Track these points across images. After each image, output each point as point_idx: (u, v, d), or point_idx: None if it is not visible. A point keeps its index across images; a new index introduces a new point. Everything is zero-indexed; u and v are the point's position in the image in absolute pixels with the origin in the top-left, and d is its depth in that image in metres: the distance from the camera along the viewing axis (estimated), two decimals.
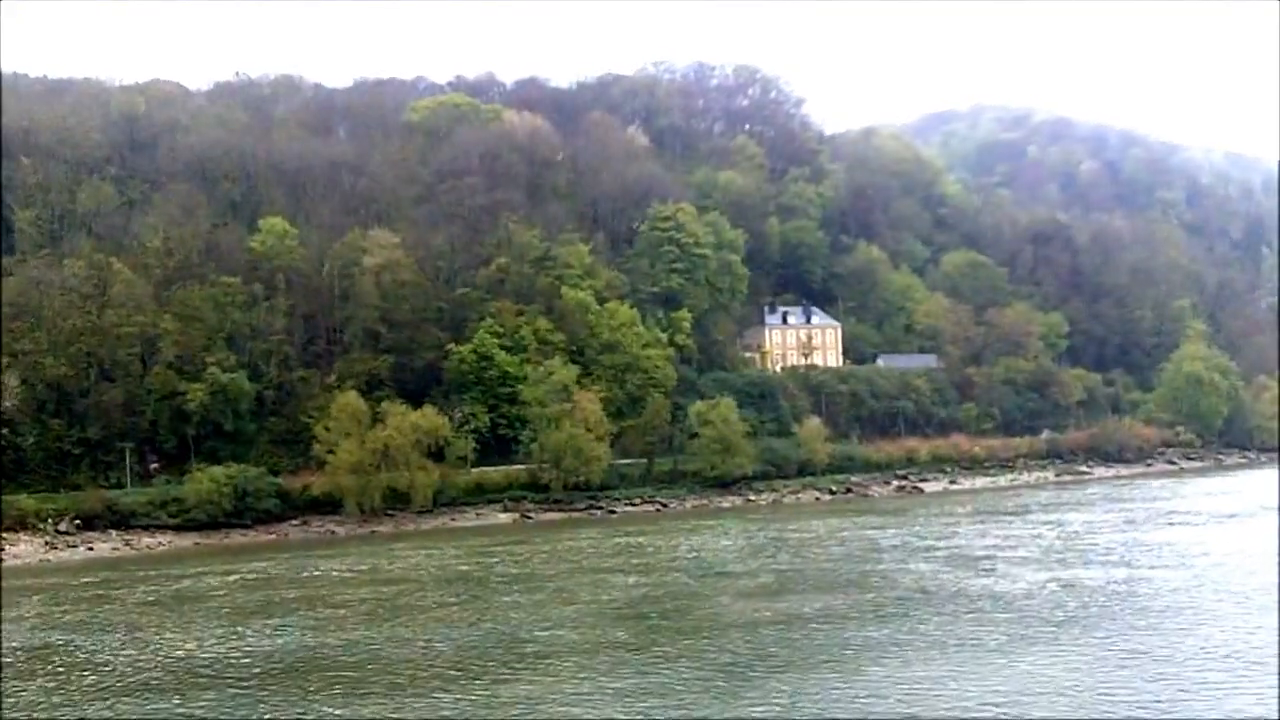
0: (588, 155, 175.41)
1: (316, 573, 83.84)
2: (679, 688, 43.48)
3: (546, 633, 55.45)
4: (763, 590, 66.18)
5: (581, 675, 46.20)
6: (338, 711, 42.76)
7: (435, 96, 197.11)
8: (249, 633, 58.99)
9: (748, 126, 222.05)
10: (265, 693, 45.96)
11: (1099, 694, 40.48)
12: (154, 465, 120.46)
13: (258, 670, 50.03)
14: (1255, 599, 57.04)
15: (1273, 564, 68.39)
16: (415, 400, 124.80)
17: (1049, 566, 69.99)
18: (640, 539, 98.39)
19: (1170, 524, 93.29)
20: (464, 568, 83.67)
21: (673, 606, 61.47)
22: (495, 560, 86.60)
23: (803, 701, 41.10)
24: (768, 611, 58.37)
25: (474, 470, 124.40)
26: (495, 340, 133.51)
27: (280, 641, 56.24)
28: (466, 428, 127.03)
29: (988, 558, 75.50)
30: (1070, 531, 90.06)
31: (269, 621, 62.16)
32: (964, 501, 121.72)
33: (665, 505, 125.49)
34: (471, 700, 43.36)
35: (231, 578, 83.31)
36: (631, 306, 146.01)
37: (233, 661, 51.97)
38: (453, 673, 47.88)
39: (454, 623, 59.31)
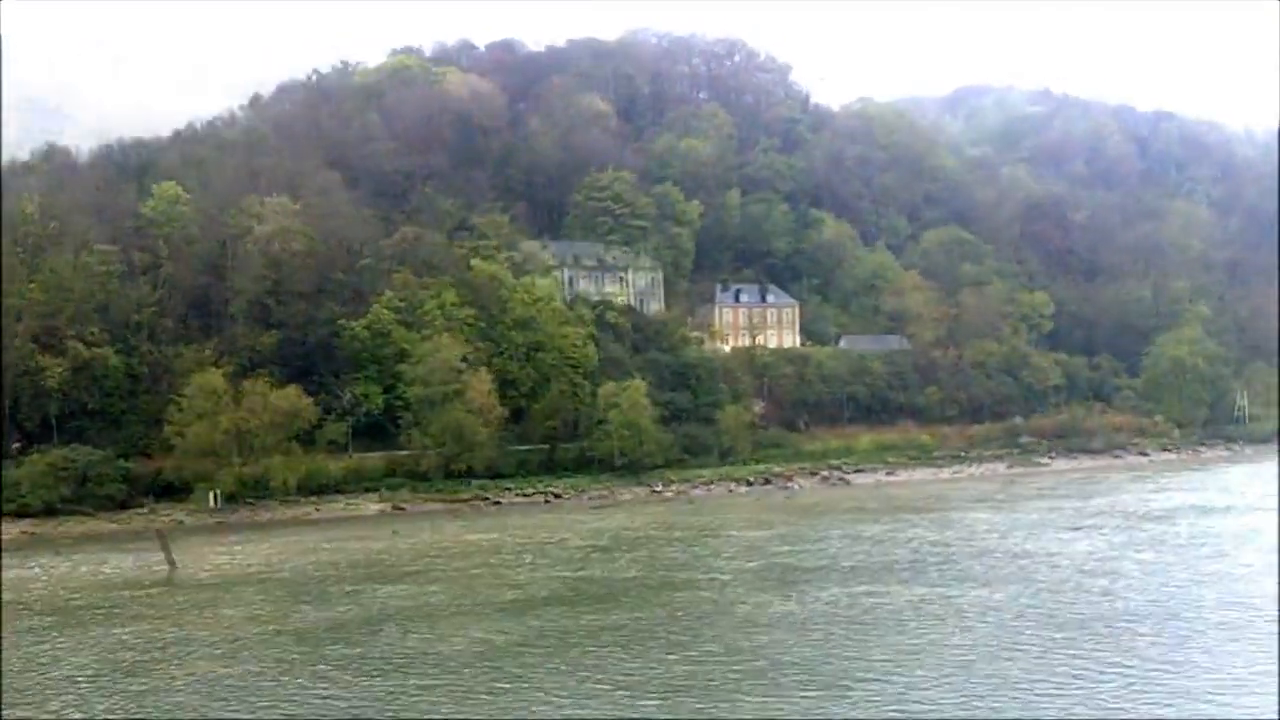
0: (536, 121, 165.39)
1: (87, 571, 75.59)
2: None
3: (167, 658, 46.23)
4: (505, 608, 56.43)
5: None
6: None
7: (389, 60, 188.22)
8: None
9: (733, 96, 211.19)
10: None
11: None
12: (15, 445, 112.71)
13: None
14: (1025, 644, 45.09)
15: (1118, 588, 57.72)
16: (304, 380, 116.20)
17: (857, 582, 59.40)
18: (492, 535, 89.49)
19: (1075, 529, 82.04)
20: (250, 569, 74.74)
21: (362, 635, 51.28)
22: (293, 561, 77.63)
23: None
24: (449, 644, 48.52)
25: (355, 456, 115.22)
26: (394, 315, 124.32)
27: None
28: (359, 409, 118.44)
29: (813, 568, 65.42)
30: (950, 536, 79.29)
31: None
32: (884, 497, 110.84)
33: (558, 496, 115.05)
34: None
35: (9, 574, 75.24)
36: (557, 281, 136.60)
37: None
38: None
39: (96, 643, 50.28)
